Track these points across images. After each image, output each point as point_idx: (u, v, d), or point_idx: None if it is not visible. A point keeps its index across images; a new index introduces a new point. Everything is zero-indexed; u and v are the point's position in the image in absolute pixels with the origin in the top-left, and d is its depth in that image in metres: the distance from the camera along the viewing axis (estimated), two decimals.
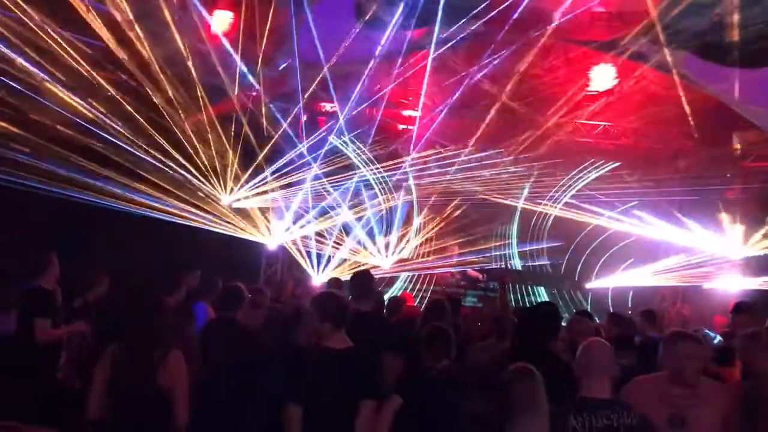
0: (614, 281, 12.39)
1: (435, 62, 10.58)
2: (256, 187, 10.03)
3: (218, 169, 9.68)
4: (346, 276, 10.11)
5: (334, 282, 6.75)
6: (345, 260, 11.43)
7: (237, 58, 8.98)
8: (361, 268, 10.71)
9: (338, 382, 3.64)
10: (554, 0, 8.91)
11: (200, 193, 9.34)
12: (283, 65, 9.74)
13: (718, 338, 5.68)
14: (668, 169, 11.69)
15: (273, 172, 9.99)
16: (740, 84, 9.06)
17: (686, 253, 11.32)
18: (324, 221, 10.91)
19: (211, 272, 6.17)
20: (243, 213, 10.13)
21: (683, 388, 3.45)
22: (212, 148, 9.29)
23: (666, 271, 11.47)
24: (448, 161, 11.92)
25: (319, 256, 10.96)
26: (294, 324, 4.37)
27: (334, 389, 3.62)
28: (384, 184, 12.06)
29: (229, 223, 9.76)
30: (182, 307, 4.86)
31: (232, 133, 9.51)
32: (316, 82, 9.64)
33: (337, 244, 11.25)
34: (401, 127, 12.13)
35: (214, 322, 4.88)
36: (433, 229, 12.72)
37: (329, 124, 11.03)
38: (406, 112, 12.08)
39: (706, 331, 5.75)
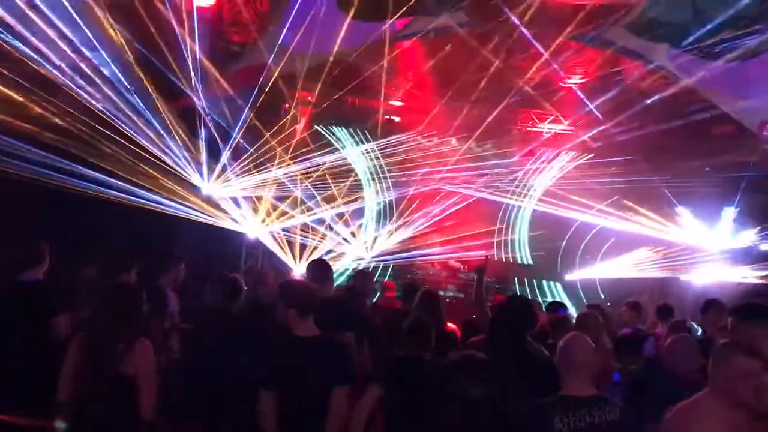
0: (593, 273, 12.48)
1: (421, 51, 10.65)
2: (237, 177, 9.96)
3: (198, 160, 9.60)
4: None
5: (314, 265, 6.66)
6: (328, 251, 11.41)
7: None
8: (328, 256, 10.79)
9: (308, 370, 3.64)
10: None
11: (178, 183, 9.24)
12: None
13: (700, 331, 5.73)
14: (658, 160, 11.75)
15: (251, 162, 9.91)
16: (719, 76, 9.11)
17: (665, 244, 11.43)
18: (305, 213, 10.85)
19: (192, 262, 6.16)
20: (223, 203, 10.06)
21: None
22: (184, 138, 9.20)
23: (644, 262, 11.57)
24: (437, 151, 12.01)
25: (302, 246, 10.91)
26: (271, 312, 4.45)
27: (304, 377, 3.62)
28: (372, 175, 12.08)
29: (208, 213, 9.68)
30: (155, 295, 4.80)
31: (204, 123, 9.41)
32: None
33: (320, 235, 11.21)
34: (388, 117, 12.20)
35: (214, 313, 4.86)
36: (418, 221, 12.69)
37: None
38: (394, 102, 12.10)
39: (692, 323, 5.77)
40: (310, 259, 6.60)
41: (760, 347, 3.08)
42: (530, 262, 13.75)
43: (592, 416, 3.32)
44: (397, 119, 12.48)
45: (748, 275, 10.81)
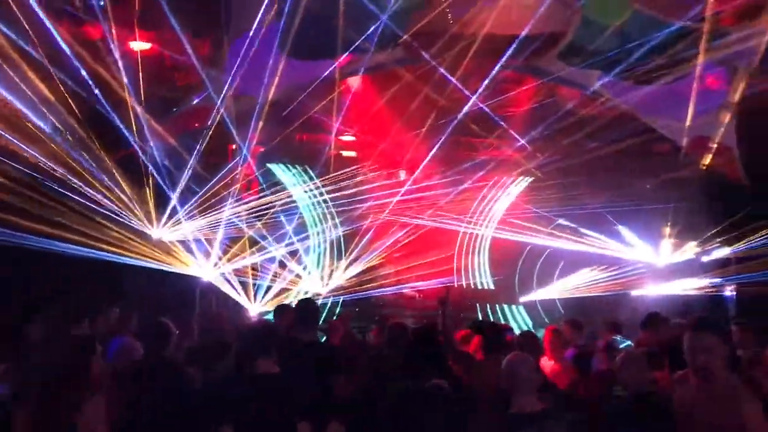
0: (548, 294, 12.72)
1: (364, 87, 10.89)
2: (186, 220, 9.92)
3: (146, 204, 9.55)
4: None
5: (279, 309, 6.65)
6: (283, 289, 11.39)
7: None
8: (305, 296, 10.79)
9: (269, 405, 3.67)
10: (476, 23, 9.20)
11: (125, 230, 9.17)
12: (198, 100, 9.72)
13: (627, 343, 5.88)
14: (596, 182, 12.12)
15: (201, 204, 9.90)
16: (650, 99, 9.51)
17: (616, 263, 11.74)
18: (256, 253, 10.83)
19: (145, 307, 6.10)
20: (173, 246, 9.99)
21: None
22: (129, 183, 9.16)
23: (595, 280, 11.85)
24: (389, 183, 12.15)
25: (256, 286, 10.86)
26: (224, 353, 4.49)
27: (265, 413, 3.65)
28: (323, 211, 12.15)
29: (157, 259, 9.61)
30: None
31: (150, 168, 9.39)
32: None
33: (274, 274, 11.19)
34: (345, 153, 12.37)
35: (145, 360, 4.84)
36: (375, 254, 12.75)
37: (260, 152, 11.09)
38: (345, 138, 12.25)
39: (615, 337, 5.92)
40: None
41: None
42: (491, 286, 13.89)
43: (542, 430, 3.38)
44: (350, 154, 12.65)
45: (691, 287, 11.17)
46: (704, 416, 3.27)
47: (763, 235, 10.31)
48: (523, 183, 12.88)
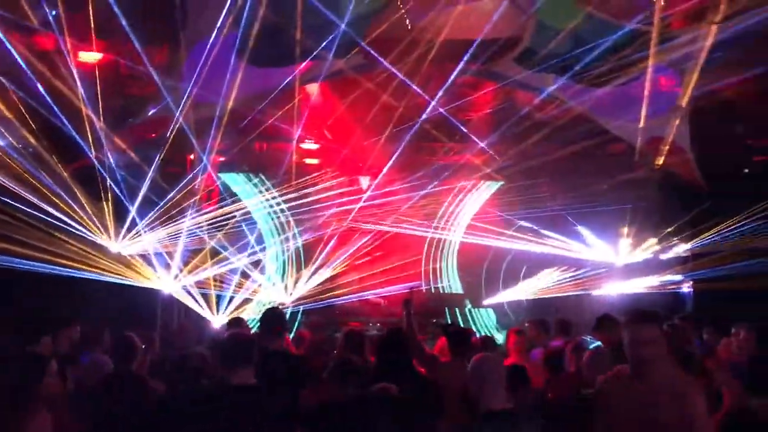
0: (513, 295, 12.85)
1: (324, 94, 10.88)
2: (146, 232, 9.75)
3: (104, 218, 9.37)
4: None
5: (235, 322, 6.63)
6: (246, 300, 11.27)
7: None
8: (270, 305, 10.70)
9: (245, 419, 3.63)
10: (433, 29, 9.28)
11: (84, 244, 8.98)
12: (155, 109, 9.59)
13: (597, 344, 5.96)
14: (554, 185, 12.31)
15: (160, 216, 9.75)
16: (604, 101, 9.72)
17: (575, 264, 11.93)
18: (217, 264, 10.70)
19: (104, 322, 6.01)
20: (133, 259, 9.82)
21: None
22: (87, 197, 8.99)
23: (558, 281, 12.02)
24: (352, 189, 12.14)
25: (218, 298, 10.72)
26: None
27: (239, 424, 3.61)
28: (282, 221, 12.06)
29: (117, 273, 9.44)
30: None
31: (108, 180, 9.23)
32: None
33: (237, 285, 11.06)
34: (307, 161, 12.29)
35: (111, 375, 4.75)
36: (339, 261, 12.69)
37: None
38: (305, 146, 12.18)
39: (585, 338, 6.01)
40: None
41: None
42: (460, 290, 13.95)
43: (515, 428, 3.38)
44: (313, 161, 12.58)
45: (650, 284, 11.43)
46: (644, 412, 3.19)
47: (718, 232, 10.61)
48: (492, 187, 12.99)
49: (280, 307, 11.20)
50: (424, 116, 10.07)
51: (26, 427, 3.42)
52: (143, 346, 5.15)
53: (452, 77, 9.42)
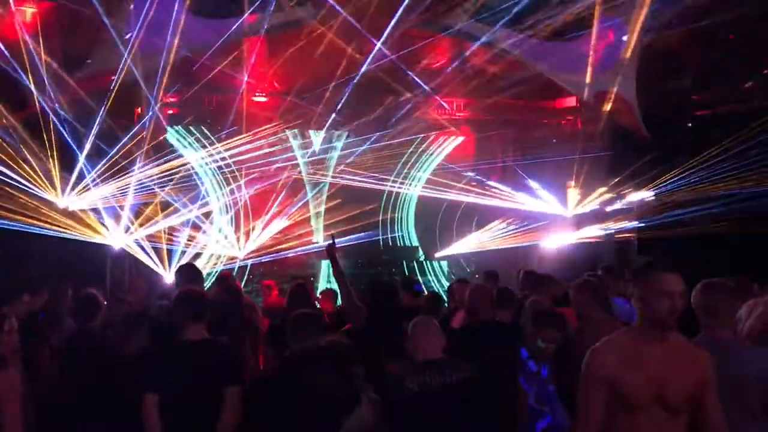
0: (460, 248, 13.10)
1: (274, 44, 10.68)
2: (93, 186, 9.56)
3: (49, 173, 9.14)
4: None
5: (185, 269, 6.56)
6: (198, 254, 11.22)
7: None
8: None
9: (197, 373, 3.72)
10: None
11: (30, 198, 8.77)
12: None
13: None
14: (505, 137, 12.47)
15: (104, 170, 9.55)
16: (554, 56, 9.83)
17: (523, 215, 12.20)
18: (168, 217, 10.58)
19: (56, 279, 5.96)
20: (81, 215, 9.63)
21: None
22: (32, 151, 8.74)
23: (507, 233, 12.30)
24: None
25: (170, 252, 10.64)
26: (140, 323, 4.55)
27: (194, 379, 3.70)
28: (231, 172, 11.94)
29: (65, 227, 9.25)
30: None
31: (54, 131, 8.98)
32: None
33: (188, 238, 10.98)
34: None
35: (78, 333, 4.72)
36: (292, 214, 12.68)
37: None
38: (257, 98, 11.98)
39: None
40: (179, 264, 6.58)
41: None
42: (416, 243, 14.12)
43: (444, 375, 3.62)
44: (261, 114, 12.37)
45: (596, 234, 11.79)
46: (664, 376, 2.73)
47: (664, 182, 10.93)
48: (453, 142, 13.05)
49: (233, 261, 11.29)
50: (368, 61, 9.96)
51: None
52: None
53: (394, 22, 9.30)
